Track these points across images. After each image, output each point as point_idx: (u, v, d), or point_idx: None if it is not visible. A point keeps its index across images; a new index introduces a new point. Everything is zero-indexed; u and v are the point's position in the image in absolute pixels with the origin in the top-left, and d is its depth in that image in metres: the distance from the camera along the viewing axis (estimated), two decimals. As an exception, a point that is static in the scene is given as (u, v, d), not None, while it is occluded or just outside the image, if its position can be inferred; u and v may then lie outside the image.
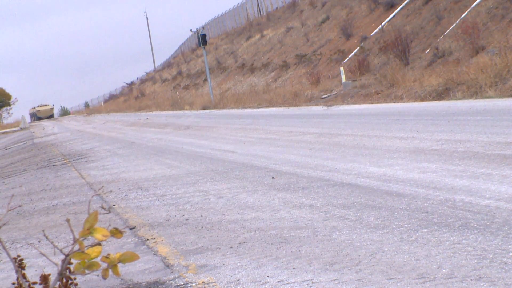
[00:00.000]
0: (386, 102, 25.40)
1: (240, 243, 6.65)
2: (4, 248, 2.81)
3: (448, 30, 32.56)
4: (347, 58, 41.58)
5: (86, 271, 2.57)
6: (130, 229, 8.30)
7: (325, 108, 27.84)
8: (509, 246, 5.16)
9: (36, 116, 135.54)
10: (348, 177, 9.38)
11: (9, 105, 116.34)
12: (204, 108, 48.31)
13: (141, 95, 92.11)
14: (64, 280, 2.98)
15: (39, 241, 8.48)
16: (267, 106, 36.43)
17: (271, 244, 6.40)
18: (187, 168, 13.58)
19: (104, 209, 2.84)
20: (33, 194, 13.68)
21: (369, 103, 26.42)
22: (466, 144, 10.54)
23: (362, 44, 41.38)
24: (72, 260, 2.70)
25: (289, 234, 6.69)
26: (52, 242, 2.66)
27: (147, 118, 45.10)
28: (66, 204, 11.45)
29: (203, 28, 57.44)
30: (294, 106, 32.77)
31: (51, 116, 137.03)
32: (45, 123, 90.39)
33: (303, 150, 13.51)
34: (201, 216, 8.39)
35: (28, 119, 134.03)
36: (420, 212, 6.70)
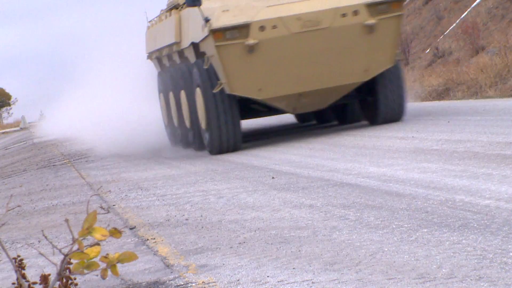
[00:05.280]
0: (386, 102, 25.38)
1: (240, 243, 6.65)
2: (3, 248, 2.81)
3: (448, 30, 32.56)
4: (347, 58, 41.54)
5: (85, 271, 2.57)
6: (130, 229, 8.30)
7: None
8: (509, 246, 5.16)
9: None
10: (348, 177, 9.38)
11: (9, 105, 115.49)
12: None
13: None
14: (64, 280, 2.98)
15: (39, 241, 8.48)
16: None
17: (271, 244, 6.40)
18: (187, 168, 13.58)
19: (103, 209, 2.83)
20: (33, 194, 13.68)
21: (369, 103, 26.41)
22: (466, 144, 10.53)
23: (362, 44, 41.20)
24: (71, 260, 2.70)
25: (289, 234, 6.69)
26: (51, 242, 2.66)
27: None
28: (66, 204, 11.44)
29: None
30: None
31: None
32: (45, 123, 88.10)
33: (303, 150, 13.51)
34: (201, 216, 8.39)
35: None
36: (420, 212, 6.70)
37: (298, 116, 19.85)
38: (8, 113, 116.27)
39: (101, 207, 2.65)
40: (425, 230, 5.97)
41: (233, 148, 14.84)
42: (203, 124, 15.11)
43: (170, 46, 16.97)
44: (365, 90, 15.38)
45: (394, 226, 6.30)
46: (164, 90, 18.41)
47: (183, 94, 16.31)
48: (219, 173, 12.08)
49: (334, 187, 8.83)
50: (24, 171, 19.68)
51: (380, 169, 9.62)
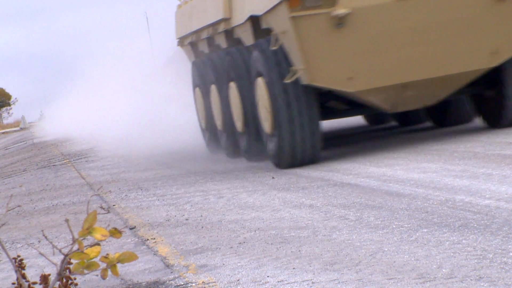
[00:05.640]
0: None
1: (240, 243, 6.65)
2: (3, 248, 2.81)
3: (448, 30, 32.58)
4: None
5: (85, 271, 2.57)
6: (130, 229, 8.30)
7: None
8: (509, 246, 5.16)
9: None
10: (348, 177, 9.38)
11: (9, 105, 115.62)
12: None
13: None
14: (64, 280, 2.98)
15: (39, 241, 8.48)
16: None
17: (271, 244, 6.40)
18: (187, 168, 13.58)
19: (103, 209, 2.84)
20: (33, 194, 13.68)
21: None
22: (466, 144, 10.54)
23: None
24: (71, 260, 2.70)
25: (289, 234, 6.69)
26: (51, 242, 2.66)
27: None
28: (66, 204, 11.45)
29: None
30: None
31: None
32: (45, 123, 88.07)
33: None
34: (201, 216, 8.39)
35: None
36: (420, 212, 6.70)
37: (369, 116, 15.11)
38: (8, 113, 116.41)
39: (101, 207, 2.65)
40: (425, 230, 5.98)
41: (310, 159, 11.00)
42: (266, 127, 11.15)
43: (214, 25, 12.77)
44: (481, 81, 11.14)
45: (394, 226, 6.30)
46: (202, 84, 14.18)
47: (233, 88, 12.23)
48: (219, 173, 12.08)
49: (334, 187, 8.83)
50: (24, 171, 19.69)
51: (380, 169, 9.63)
